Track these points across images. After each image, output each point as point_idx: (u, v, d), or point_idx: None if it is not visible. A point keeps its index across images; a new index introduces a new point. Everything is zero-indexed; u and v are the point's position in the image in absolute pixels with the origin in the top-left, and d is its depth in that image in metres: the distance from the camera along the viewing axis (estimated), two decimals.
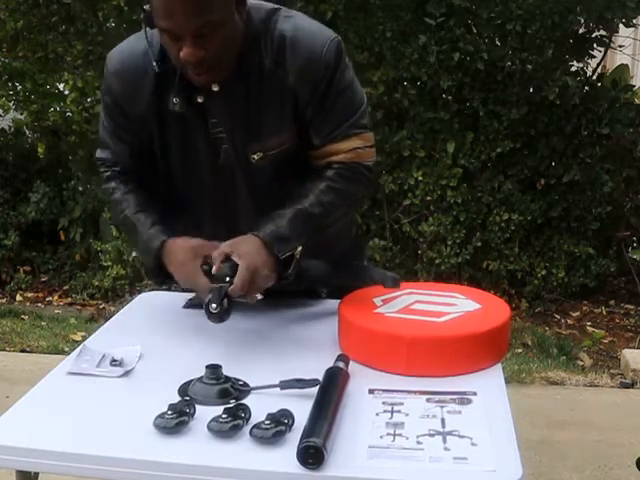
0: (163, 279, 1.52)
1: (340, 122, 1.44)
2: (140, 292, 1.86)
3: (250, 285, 1.32)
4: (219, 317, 1.30)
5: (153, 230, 1.47)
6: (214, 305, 1.29)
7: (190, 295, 1.64)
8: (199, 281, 1.36)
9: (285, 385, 1.22)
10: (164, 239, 1.44)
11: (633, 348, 3.74)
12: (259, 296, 1.35)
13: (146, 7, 1.34)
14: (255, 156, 1.46)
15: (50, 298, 4.74)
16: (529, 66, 3.97)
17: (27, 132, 5.16)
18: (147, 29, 1.38)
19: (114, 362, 1.34)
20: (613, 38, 4.20)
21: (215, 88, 1.40)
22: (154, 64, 1.41)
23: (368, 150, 1.48)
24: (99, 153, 1.60)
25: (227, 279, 1.32)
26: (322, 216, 1.44)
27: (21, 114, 4.99)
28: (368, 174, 1.48)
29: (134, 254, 1.59)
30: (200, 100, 1.42)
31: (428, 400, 1.19)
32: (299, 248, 1.40)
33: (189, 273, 1.39)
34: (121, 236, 4.41)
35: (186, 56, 1.30)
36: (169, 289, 1.69)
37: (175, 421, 1.11)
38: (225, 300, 1.30)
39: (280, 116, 1.44)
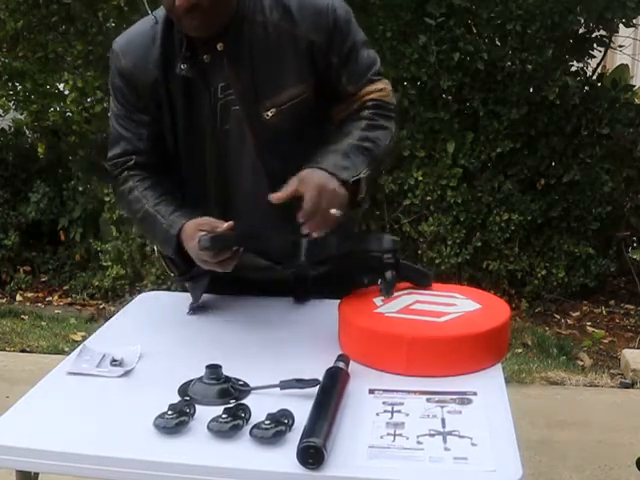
0: (186, 269, 1.51)
1: (367, 69, 1.54)
2: (140, 292, 1.86)
3: (320, 202, 1.33)
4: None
5: (173, 217, 1.46)
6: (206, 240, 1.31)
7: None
8: (197, 253, 1.36)
9: (285, 385, 1.22)
10: (184, 222, 1.43)
11: (633, 348, 3.74)
12: (336, 211, 1.34)
13: None
14: (269, 113, 1.48)
15: (50, 298, 4.74)
16: (529, 66, 3.97)
17: (27, 132, 5.17)
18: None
19: (114, 362, 1.34)
20: (613, 38, 4.20)
21: (220, 47, 1.45)
22: (153, 18, 1.48)
23: (392, 92, 1.60)
24: (111, 153, 1.58)
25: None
26: (372, 150, 1.48)
27: (21, 114, 4.99)
28: (395, 114, 1.58)
29: (155, 249, 1.57)
30: (207, 60, 1.46)
31: (428, 400, 1.19)
32: (363, 174, 1.42)
33: (192, 248, 1.38)
34: (121, 236, 4.41)
35: (180, 3, 1.35)
36: (169, 289, 1.69)
37: (175, 421, 1.10)
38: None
39: (294, 69, 1.48)
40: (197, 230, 1.37)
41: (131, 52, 1.52)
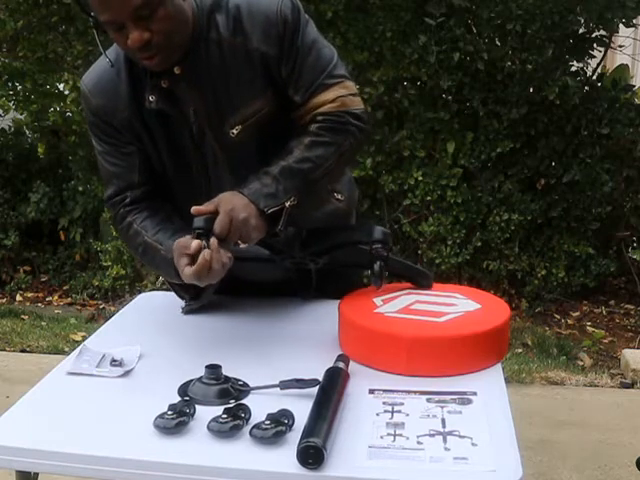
0: (195, 292, 1.49)
1: (316, 75, 1.44)
2: (140, 292, 1.86)
3: (230, 229, 1.30)
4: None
5: (170, 241, 1.41)
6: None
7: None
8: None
9: (285, 385, 1.22)
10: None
11: (633, 348, 3.74)
12: (242, 245, 1.32)
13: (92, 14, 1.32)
14: (234, 130, 1.45)
15: (50, 298, 4.75)
16: (529, 66, 3.98)
17: (27, 132, 5.16)
18: (101, 38, 1.39)
19: (114, 362, 1.34)
20: (613, 38, 4.20)
21: (177, 71, 1.41)
22: (107, 61, 1.42)
23: (353, 98, 1.47)
24: (106, 194, 1.56)
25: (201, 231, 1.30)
26: (310, 171, 1.41)
27: (21, 114, 4.99)
28: (357, 122, 1.46)
29: (160, 278, 1.53)
30: (165, 85, 1.42)
31: (428, 400, 1.19)
32: (287, 203, 1.36)
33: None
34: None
35: (133, 42, 1.30)
36: (169, 289, 1.69)
37: (175, 421, 1.11)
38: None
39: (251, 84, 1.43)
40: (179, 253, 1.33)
41: (99, 91, 1.48)
